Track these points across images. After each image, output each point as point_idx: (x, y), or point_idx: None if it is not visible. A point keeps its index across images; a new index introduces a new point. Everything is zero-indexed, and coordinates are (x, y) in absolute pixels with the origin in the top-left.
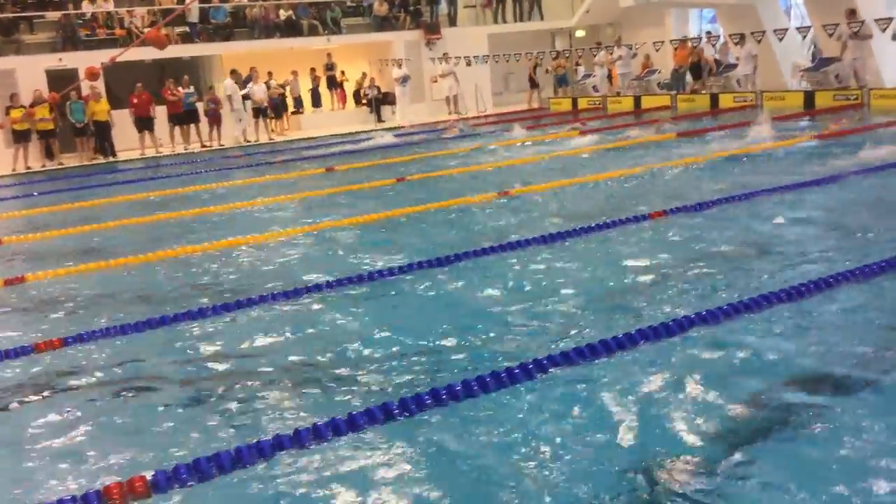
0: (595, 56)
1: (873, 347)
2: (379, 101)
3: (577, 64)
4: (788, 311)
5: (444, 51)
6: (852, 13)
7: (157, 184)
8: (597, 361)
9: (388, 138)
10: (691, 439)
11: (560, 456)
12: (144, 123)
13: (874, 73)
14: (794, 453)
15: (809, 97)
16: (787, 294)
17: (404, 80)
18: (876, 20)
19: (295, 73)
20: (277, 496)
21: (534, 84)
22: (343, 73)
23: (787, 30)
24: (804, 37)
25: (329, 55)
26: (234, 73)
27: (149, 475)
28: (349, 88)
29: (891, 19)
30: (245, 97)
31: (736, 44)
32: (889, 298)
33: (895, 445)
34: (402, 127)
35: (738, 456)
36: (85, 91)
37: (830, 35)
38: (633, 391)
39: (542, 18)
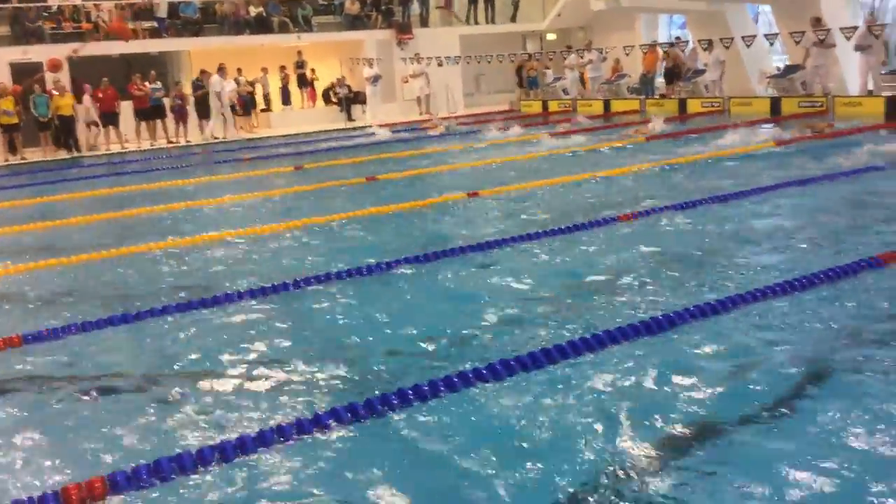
0: (566, 59)
1: (836, 349)
2: (349, 101)
3: (547, 67)
4: (754, 312)
5: (416, 51)
6: (817, 21)
7: (122, 180)
8: (564, 362)
9: (385, 133)
10: (656, 440)
11: (527, 456)
12: (110, 119)
13: (839, 80)
14: (754, 454)
15: (776, 104)
16: (753, 296)
17: (375, 79)
18: (841, 29)
19: (265, 70)
20: (241, 499)
21: (521, 83)
22: (314, 71)
23: (754, 36)
24: (771, 44)
25: (300, 53)
26: (220, 69)
27: (107, 476)
28: (319, 87)
29: (855, 28)
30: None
31: (704, 49)
32: (853, 301)
33: (852, 446)
34: (386, 125)
35: (699, 456)
36: (49, 84)
37: (797, 43)
38: (599, 392)
39: (514, 21)
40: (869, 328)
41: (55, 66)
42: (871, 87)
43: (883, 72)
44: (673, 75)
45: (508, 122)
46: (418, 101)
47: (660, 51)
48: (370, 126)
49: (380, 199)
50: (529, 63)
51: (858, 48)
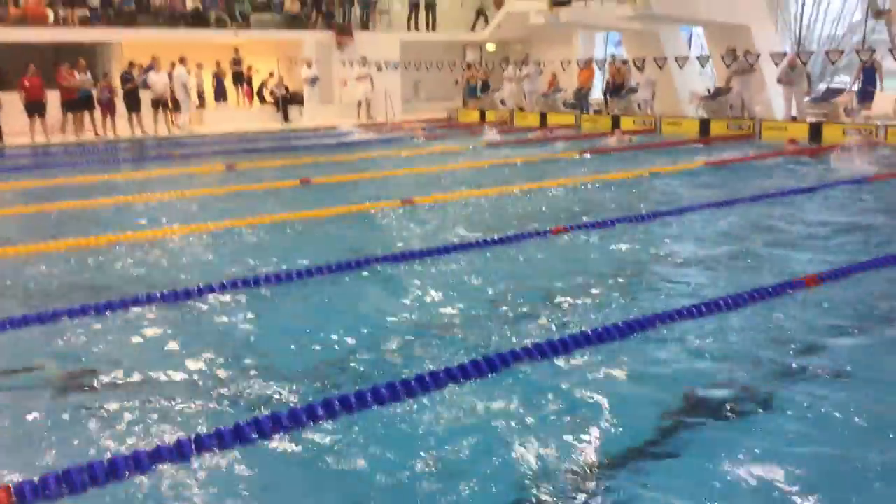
0: (504, 71)
1: (757, 369)
2: (286, 101)
3: (485, 77)
4: (678, 330)
5: (355, 54)
6: (733, 51)
7: (45, 172)
8: (492, 375)
9: (370, 135)
10: (585, 456)
11: (456, 471)
12: (35, 108)
13: (767, 104)
14: (684, 469)
15: (705, 125)
16: (679, 313)
17: (313, 80)
18: (771, 54)
19: (199, 65)
20: None
21: (474, 93)
22: (251, 68)
23: (687, 58)
24: (703, 66)
25: (236, 50)
26: (182, 59)
27: (13, 485)
28: (257, 83)
29: (784, 54)
30: (144, 86)
31: (637, 68)
32: (774, 321)
33: (773, 466)
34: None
35: (628, 473)
36: None
37: (728, 66)
38: (528, 407)
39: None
40: (788, 350)
41: None
42: (794, 112)
43: (806, 99)
44: (616, 91)
45: (445, 131)
46: (360, 104)
47: (595, 67)
48: (337, 127)
49: (312, 204)
50: (470, 72)
51: (779, 82)
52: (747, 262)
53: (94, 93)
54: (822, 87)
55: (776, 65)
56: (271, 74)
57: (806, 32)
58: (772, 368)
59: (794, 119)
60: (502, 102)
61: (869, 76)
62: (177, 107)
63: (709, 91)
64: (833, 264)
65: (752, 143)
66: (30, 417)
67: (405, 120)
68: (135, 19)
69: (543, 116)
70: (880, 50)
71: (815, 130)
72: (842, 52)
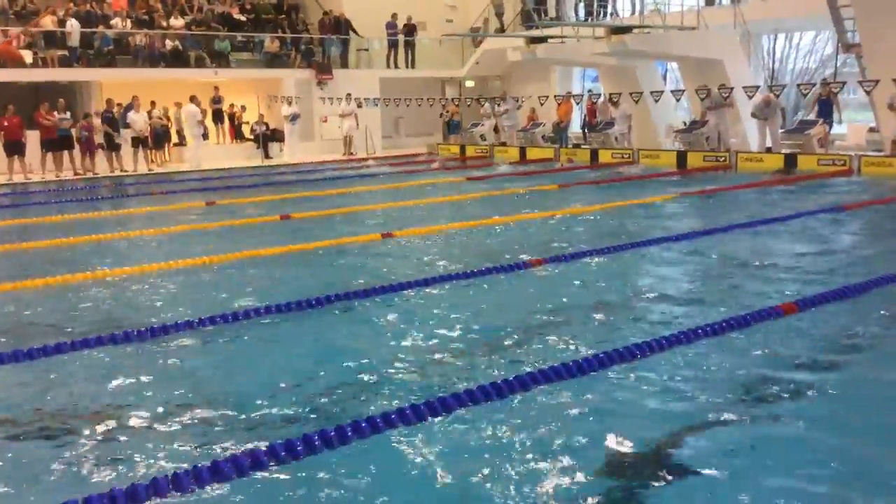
0: (482, 107)
1: (727, 398)
2: (267, 138)
3: (453, 114)
4: (656, 361)
5: (335, 92)
6: (706, 88)
7: (25, 211)
8: (471, 408)
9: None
10: (561, 490)
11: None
12: (14, 148)
13: (742, 136)
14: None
15: (682, 157)
16: (658, 344)
17: (294, 117)
18: (744, 87)
19: (178, 104)
20: None
21: (450, 128)
22: (232, 106)
23: (662, 92)
24: (678, 99)
25: (216, 88)
26: (193, 98)
27: None
28: (247, 123)
29: (756, 87)
30: (124, 125)
31: (613, 103)
32: (752, 350)
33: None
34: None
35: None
36: None
37: (702, 99)
38: (505, 440)
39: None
40: (764, 380)
41: None
42: (769, 144)
43: (781, 130)
44: (593, 125)
45: (427, 165)
46: (344, 140)
47: (573, 102)
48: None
49: (292, 239)
50: (451, 107)
51: (754, 116)
52: (725, 292)
53: (74, 132)
54: (797, 118)
55: (749, 97)
56: (243, 108)
57: (779, 66)
58: (749, 398)
59: (769, 150)
60: (482, 137)
61: (825, 108)
62: (157, 145)
63: (685, 124)
64: (809, 292)
65: (729, 175)
66: (3, 456)
67: (387, 155)
68: (114, 59)
69: (523, 151)
70: (851, 83)
71: (791, 161)
72: (812, 85)
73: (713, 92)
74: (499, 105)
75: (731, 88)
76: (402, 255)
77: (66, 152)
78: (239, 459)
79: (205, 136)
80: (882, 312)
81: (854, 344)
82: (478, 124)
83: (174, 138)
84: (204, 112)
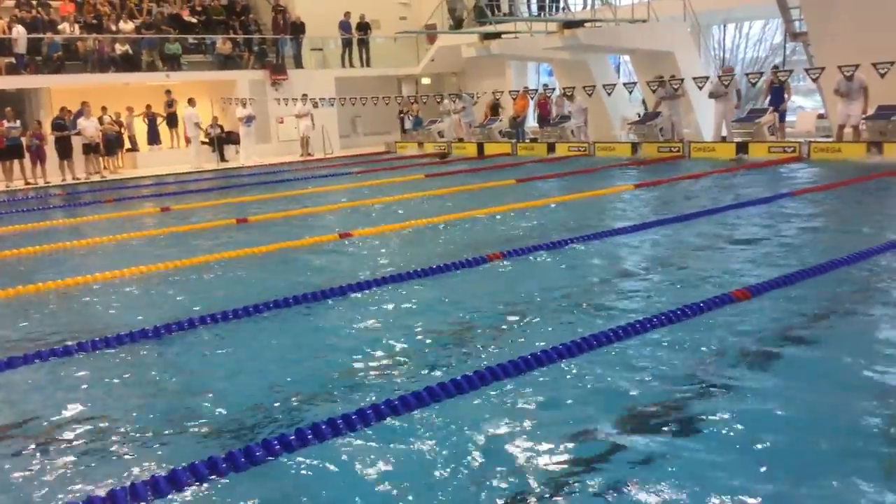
0: (440, 104)
1: (690, 384)
2: (222, 141)
3: (415, 111)
4: (614, 351)
5: (290, 92)
6: (660, 78)
7: None
8: (434, 406)
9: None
10: (527, 480)
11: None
12: None
13: (695, 126)
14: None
15: (636, 148)
16: (615, 333)
17: (249, 119)
18: (694, 78)
19: (130, 109)
20: None
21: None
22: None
23: (615, 85)
24: (630, 92)
25: (168, 92)
26: (191, 100)
27: None
28: (181, 126)
29: (706, 78)
30: (75, 133)
31: (567, 97)
32: (706, 336)
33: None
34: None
35: (565, 493)
36: None
37: (654, 92)
38: (467, 435)
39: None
40: (718, 366)
41: None
42: (724, 133)
43: (733, 119)
44: (547, 119)
45: (385, 163)
46: (301, 141)
47: (528, 97)
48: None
49: (250, 241)
50: (413, 105)
51: (712, 96)
52: (680, 279)
53: (24, 140)
54: (747, 107)
55: (699, 88)
56: (190, 101)
57: (729, 56)
58: (702, 384)
59: (722, 139)
60: (440, 134)
61: (776, 97)
62: (110, 151)
63: (638, 115)
64: (762, 277)
65: (682, 164)
66: None
67: (345, 154)
68: (63, 65)
69: (481, 146)
70: (798, 70)
71: (742, 149)
72: (761, 74)
73: (665, 83)
74: (454, 102)
75: (682, 79)
76: (359, 254)
77: (16, 161)
78: (213, 462)
79: (157, 140)
80: (836, 293)
81: (807, 328)
82: (435, 121)
83: (127, 144)
84: (154, 115)
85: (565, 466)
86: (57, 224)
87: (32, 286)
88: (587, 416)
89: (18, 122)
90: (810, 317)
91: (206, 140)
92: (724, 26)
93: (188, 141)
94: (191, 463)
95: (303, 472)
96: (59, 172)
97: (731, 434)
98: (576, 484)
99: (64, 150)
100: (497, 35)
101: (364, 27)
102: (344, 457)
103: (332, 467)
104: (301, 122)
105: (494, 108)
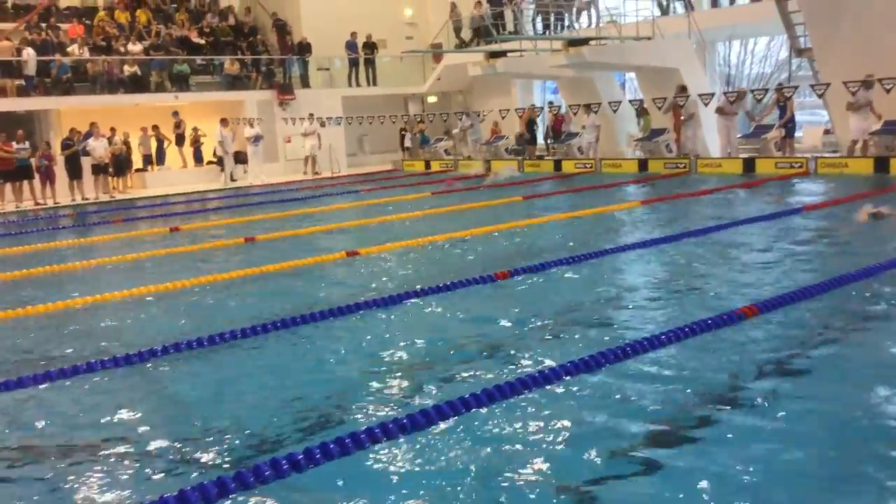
0: (445, 122)
1: (698, 400)
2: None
3: (418, 130)
4: (625, 368)
5: (298, 111)
6: (683, 89)
7: None
8: (443, 423)
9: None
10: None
11: None
12: None
13: (701, 143)
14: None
15: (643, 164)
16: (624, 351)
17: (256, 139)
18: (700, 95)
19: (144, 129)
20: None
21: (402, 145)
22: (196, 130)
23: (620, 102)
24: (637, 109)
25: (176, 113)
26: (224, 120)
27: None
28: (207, 148)
29: (712, 94)
30: (84, 153)
31: (575, 114)
32: (714, 353)
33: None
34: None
35: None
36: None
37: (659, 108)
38: (481, 450)
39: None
40: (725, 382)
41: None
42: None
43: (739, 135)
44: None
45: (392, 182)
46: (307, 160)
47: (535, 114)
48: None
49: (257, 261)
50: (420, 124)
51: (719, 112)
52: (687, 297)
53: (33, 162)
54: (753, 124)
55: (705, 104)
56: (195, 129)
57: (735, 72)
58: (710, 399)
59: (728, 155)
60: (446, 152)
61: (784, 113)
62: (119, 172)
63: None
64: (769, 293)
65: (691, 180)
66: None
67: (353, 173)
68: (72, 87)
69: (488, 164)
70: (804, 86)
71: (749, 165)
72: (766, 90)
73: (687, 103)
74: (461, 120)
75: (687, 96)
76: (369, 272)
77: (25, 182)
78: (223, 481)
79: (163, 160)
80: (847, 310)
81: (815, 343)
82: (441, 139)
83: (138, 164)
84: (163, 136)
85: (581, 481)
86: (68, 244)
87: (42, 306)
88: (596, 431)
89: (27, 143)
90: (824, 331)
91: (215, 160)
92: (730, 43)
93: (219, 161)
94: (219, 478)
95: (325, 486)
96: (69, 193)
97: (751, 448)
98: (594, 497)
99: (74, 171)
100: (503, 53)
101: (371, 46)
102: (362, 471)
103: (353, 482)
104: (307, 141)
105: (530, 125)
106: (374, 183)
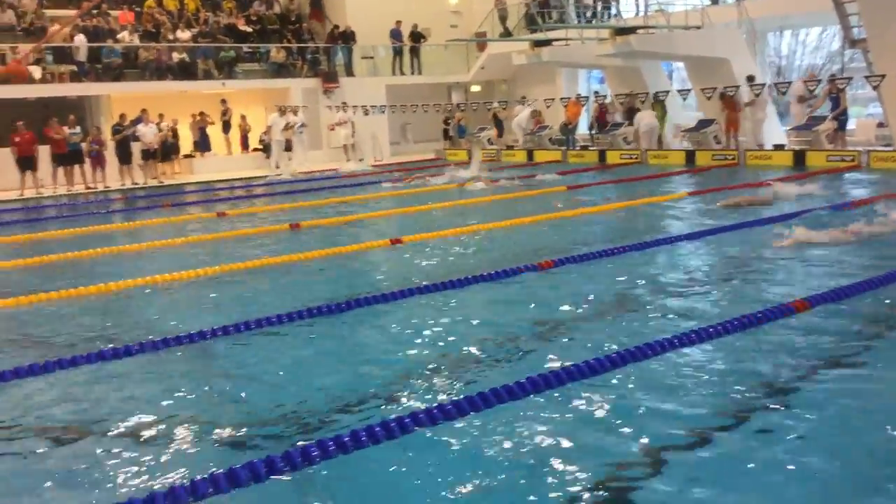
0: (515, 108)
1: (750, 394)
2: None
3: (457, 120)
4: (670, 362)
5: (342, 100)
6: (751, 78)
7: (38, 225)
8: (486, 411)
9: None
10: (571, 490)
11: None
12: (26, 163)
13: (749, 133)
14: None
15: (690, 156)
16: (669, 343)
17: (301, 127)
18: (750, 86)
19: (195, 116)
20: None
21: (447, 135)
22: (244, 117)
23: (668, 92)
24: (685, 99)
25: (224, 100)
26: (281, 108)
27: None
28: (254, 135)
29: (763, 85)
30: (133, 138)
31: (621, 104)
32: (764, 347)
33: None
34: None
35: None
36: None
37: (708, 98)
38: (520, 441)
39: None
40: (779, 377)
41: None
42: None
43: (788, 128)
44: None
45: (436, 170)
46: (344, 148)
47: (581, 104)
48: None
49: (302, 247)
50: (459, 114)
51: (801, 100)
52: (735, 291)
53: (84, 146)
54: (807, 112)
55: (756, 95)
56: (243, 117)
57: (786, 63)
58: (763, 393)
59: (779, 147)
60: (489, 141)
61: (837, 105)
62: (166, 157)
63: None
64: (821, 288)
65: (737, 172)
66: (32, 466)
67: (396, 161)
68: (122, 73)
69: (531, 154)
70: (857, 78)
71: (799, 158)
72: (819, 81)
73: (744, 89)
74: (503, 108)
75: (737, 87)
76: (412, 260)
77: (76, 166)
78: (255, 466)
79: (209, 147)
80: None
81: (866, 341)
82: (484, 128)
83: (186, 149)
84: (208, 122)
85: (611, 478)
86: (117, 227)
87: (94, 287)
88: (638, 424)
89: (79, 128)
90: (870, 330)
91: (261, 147)
92: (781, 33)
93: (265, 148)
94: (268, 456)
95: (360, 473)
96: (119, 177)
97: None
98: (625, 494)
99: (124, 156)
100: (548, 42)
101: (417, 36)
102: (404, 457)
103: (397, 465)
104: (341, 131)
105: (601, 111)
106: (419, 171)
